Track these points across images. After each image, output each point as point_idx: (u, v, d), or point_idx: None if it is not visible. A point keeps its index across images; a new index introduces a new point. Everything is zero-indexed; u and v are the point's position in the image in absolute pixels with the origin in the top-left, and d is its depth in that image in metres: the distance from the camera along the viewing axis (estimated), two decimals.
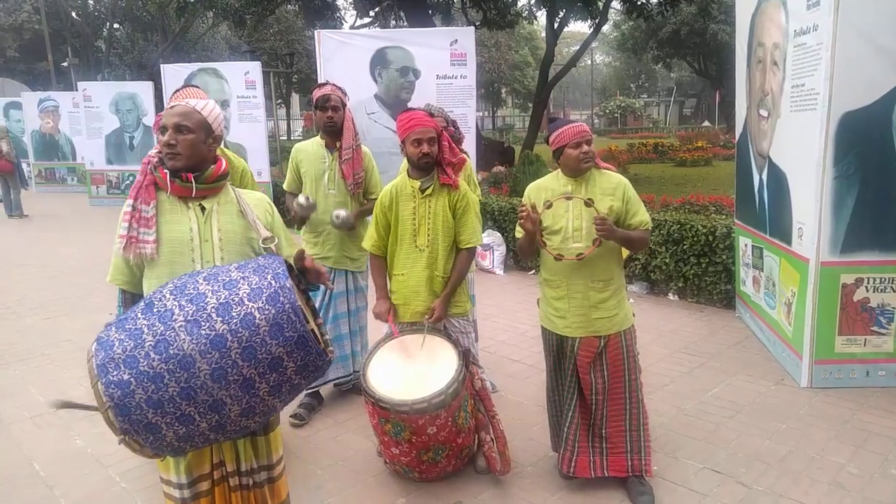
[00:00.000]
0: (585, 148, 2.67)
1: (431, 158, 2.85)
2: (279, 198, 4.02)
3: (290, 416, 3.57)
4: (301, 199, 3.47)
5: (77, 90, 14.30)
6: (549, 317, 2.87)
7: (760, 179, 4.60)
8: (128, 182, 13.09)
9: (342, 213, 3.49)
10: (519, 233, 2.82)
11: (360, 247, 3.66)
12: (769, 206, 4.44)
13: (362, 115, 6.90)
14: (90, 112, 13.10)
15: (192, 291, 1.62)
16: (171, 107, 1.98)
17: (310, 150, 3.67)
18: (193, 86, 3.14)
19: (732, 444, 3.23)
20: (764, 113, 4.48)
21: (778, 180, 4.22)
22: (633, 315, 2.87)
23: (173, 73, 10.10)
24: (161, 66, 10.45)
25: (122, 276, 2.03)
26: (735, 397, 3.76)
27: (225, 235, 1.99)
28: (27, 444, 3.45)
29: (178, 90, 3.07)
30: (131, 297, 2.07)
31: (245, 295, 1.59)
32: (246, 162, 3.50)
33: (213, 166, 1.98)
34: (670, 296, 5.80)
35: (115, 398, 1.53)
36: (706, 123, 37.20)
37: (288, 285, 1.63)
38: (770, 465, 3.02)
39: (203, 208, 1.98)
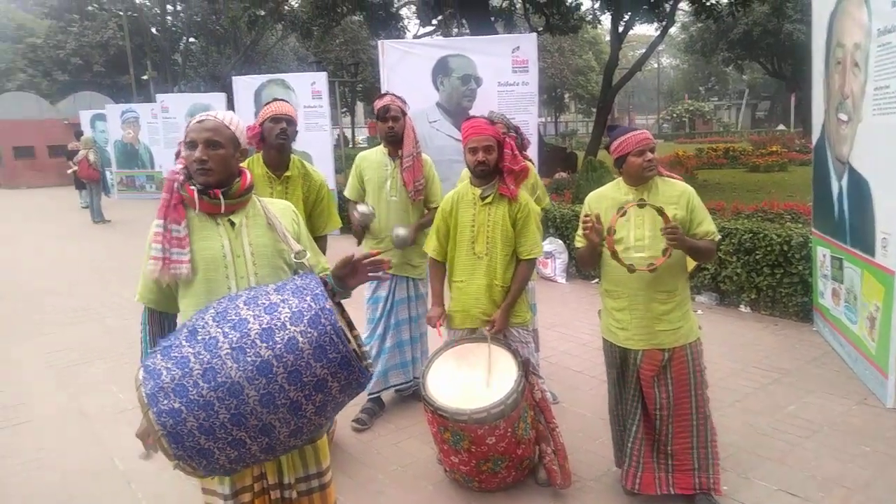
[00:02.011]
0: (649, 156, 2.59)
1: (487, 166, 2.84)
2: (343, 205, 4.09)
3: (353, 421, 3.63)
4: (361, 207, 3.53)
5: (156, 102, 15.08)
6: (610, 328, 2.80)
7: (840, 186, 4.36)
8: None
9: (401, 231, 3.53)
10: (579, 242, 2.77)
11: (421, 254, 3.69)
12: (849, 215, 4.20)
13: (424, 123, 6.97)
14: (167, 122, 13.78)
15: (234, 317, 1.63)
16: (200, 121, 1.91)
17: (373, 159, 3.73)
18: (282, 100, 3.24)
19: (810, 466, 3.05)
20: (843, 117, 4.24)
21: (859, 187, 3.99)
22: (700, 328, 2.77)
23: (244, 85, 10.48)
24: (232, 77, 10.85)
25: (152, 296, 2.00)
26: (813, 416, 3.56)
27: (256, 249, 1.96)
28: (108, 440, 3.64)
29: (267, 103, 3.18)
30: (158, 316, 2.04)
31: (287, 319, 1.61)
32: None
33: (239, 180, 1.95)
34: (742, 308, 5.57)
35: (168, 426, 1.57)
36: (781, 127, 35.65)
37: (328, 307, 1.63)
38: (852, 490, 2.84)
39: (232, 223, 1.95)
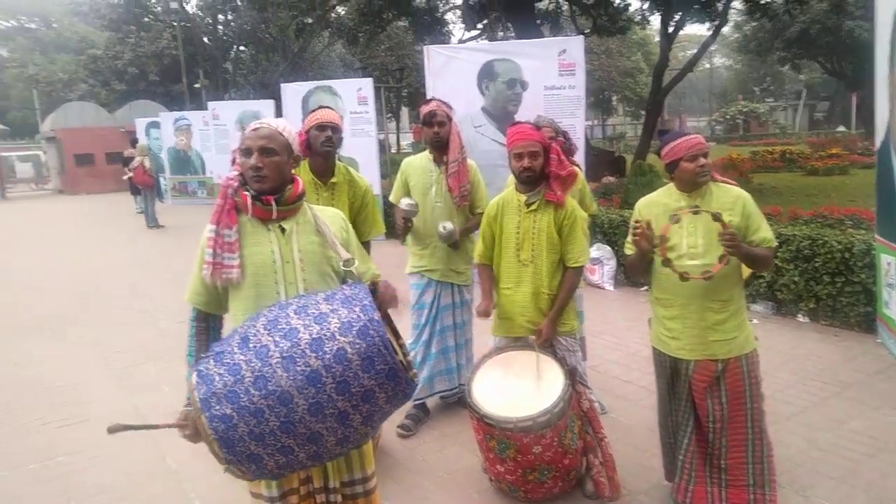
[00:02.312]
0: (702, 161, 2.51)
1: (533, 172, 2.81)
2: (388, 209, 4.11)
3: (398, 427, 3.63)
4: (406, 201, 3.53)
5: (207, 109, 15.52)
6: (661, 337, 2.72)
7: None
8: None
9: (448, 224, 3.51)
10: (629, 249, 2.70)
11: (465, 260, 3.68)
12: None
13: (469, 127, 6.96)
14: (218, 129, 14.17)
15: (284, 326, 1.66)
16: (255, 129, 1.95)
17: (418, 164, 3.73)
18: (327, 107, 3.27)
19: (875, 486, 2.90)
20: None
21: None
22: (756, 338, 2.66)
23: (292, 92, 10.68)
24: (281, 84, 11.07)
25: (201, 298, 2.05)
26: (878, 433, 3.38)
27: (305, 256, 1.98)
28: (162, 440, 3.73)
29: (313, 111, 3.22)
30: (205, 316, 2.09)
31: (336, 329, 1.63)
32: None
33: (291, 187, 1.98)
34: (800, 317, 5.35)
35: (219, 431, 1.60)
36: (841, 128, 34.21)
37: (376, 318, 1.65)
38: None
39: (283, 229, 1.98)
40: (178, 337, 5.69)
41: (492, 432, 2.65)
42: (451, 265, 3.68)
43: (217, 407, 1.60)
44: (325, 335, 1.61)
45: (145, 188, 13.44)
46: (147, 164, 13.30)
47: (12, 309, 7.05)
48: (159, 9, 28.80)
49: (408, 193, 3.73)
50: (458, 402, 3.89)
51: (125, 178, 14.55)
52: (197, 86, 26.28)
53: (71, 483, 3.33)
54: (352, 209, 3.30)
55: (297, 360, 1.59)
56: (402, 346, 1.94)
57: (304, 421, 1.60)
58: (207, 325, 2.11)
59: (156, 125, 18.97)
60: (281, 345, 1.62)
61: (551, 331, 2.86)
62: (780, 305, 5.53)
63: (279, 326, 1.67)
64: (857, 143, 20.64)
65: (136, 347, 5.51)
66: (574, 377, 2.78)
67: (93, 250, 11.25)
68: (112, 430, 1.76)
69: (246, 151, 1.92)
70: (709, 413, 2.59)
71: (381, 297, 1.91)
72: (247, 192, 1.93)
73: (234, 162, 2.01)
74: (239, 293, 1.97)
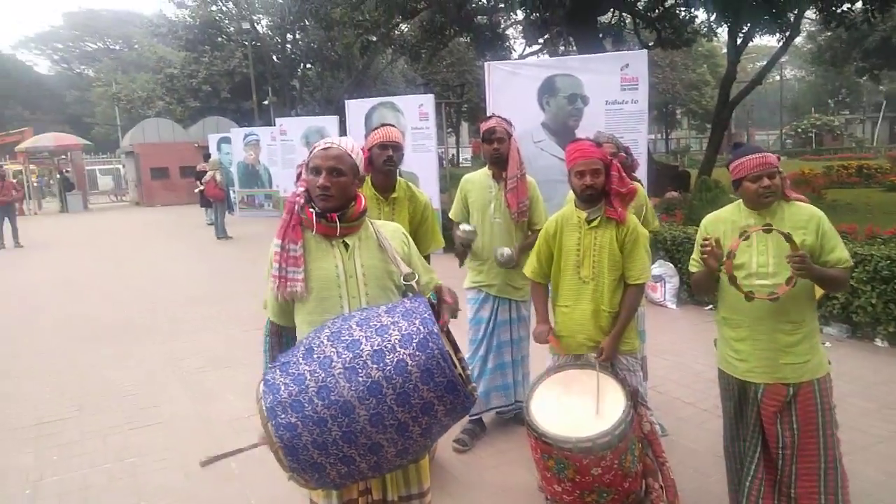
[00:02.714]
0: (766, 182, 2.42)
1: (595, 190, 2.78)
2: (447, 224, 4.15)
3: (454, 441, 3.64)
4: (464, 225, 3.57)
5: (275, 125, 16.07)
6: (728, 359, 2.63)
7: None
8: None
9: (506, 251, 3.53)
10: (694, 267, 2.64)
11: (523, 276, 3.66)
12: None
13: (529, 143, 6.95)
14: (285, 144, 14.64)
15: (347, 338, 1.70)
16: (325, 148, 1.99)
17: (477, 181, 3.76)
18: (389, 125, 3.35)
19: None
20: None
21: None
22: (830, 363, 2.54)
23: (356, 108, 10.95)
24: (345, 101, 11.37)
25: (275, 310, 2.14)
26: None
27: (368, 271, 2.03)
28: (227, 445, 3.85)
29: (375, 128, 3.30)
30: (278, 329, 2.17)
31: (397, 341, 1.66)
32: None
33: (354, 204, 2.03)
34: (878, 341, 5.06)
35: (284, 440, 1.65)
36: None
37: (436, 331, 1.68)
38: None
39: (346, 245, 2.03)
40: (245, 345, 5.90)
41: (550, 451, 2.62)
42: (509, 281, 3.68)
43: (283, 416, 1.66)
44: (386, 347, 1.65)
45: (216, 201, 14.01)
46: (218, 177, 13.87)
47: (89, 315, 7.46)
48: (232, 29, 30.12)
49: (467, 210, 3.77)
50: (514, 418, 3.87)
51: (197, 190, 15.21)
52: (266, 102, 27.32)
53: (140, 483, 3.49)
54: (412, 223, 3.35)
55: (359, 370, 1.63)
56: (460, 359, 1.96)
57: (366, 431, 1.63)
58: (281, 339, 2.19)
59: (227, 140, 19.78)
60: (344, 355, 1.66)
61: (612, 349, 2.81)
62: (855, 328, 5.25)
63: (342, 338, 1.71)
64: None
65: (203, 355, 5.73)
66: (635, 398, 2.72)
67: (165, 260, 11.80)
68: (204, 463, 1.85)
69: (314, 170, 1.98)
70: (778, 439, 2.49)
71: (443, 305, 1.95)
72: (312, 209, 1.99)
73: (299, 177, 2.07)
74: (304, 307, 2.03)
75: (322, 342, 1.73)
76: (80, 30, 50.66)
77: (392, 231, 2.15)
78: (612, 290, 2.85)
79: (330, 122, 14.47)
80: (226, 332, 6.47)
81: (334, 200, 1.97)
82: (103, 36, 51.32)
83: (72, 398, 4.79)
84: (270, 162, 17.56)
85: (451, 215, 3.90)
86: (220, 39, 30.35)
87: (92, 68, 49.89)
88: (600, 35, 14.88)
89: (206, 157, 16.69)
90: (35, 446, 3.98)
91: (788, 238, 2.34)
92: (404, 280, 2.02)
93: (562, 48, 18.85)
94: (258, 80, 26.87)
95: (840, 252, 2.45)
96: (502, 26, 19.48)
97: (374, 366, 1.63)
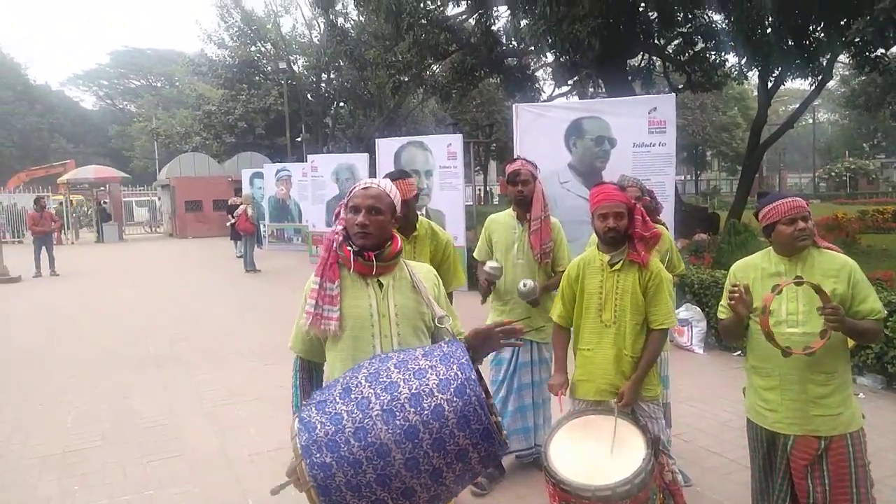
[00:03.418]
0: (801, 224, 2.40)
1: (618, 233, 2.78)
2: (472, 262, 4.18)
3: (472, 485, 3.58)
4: (490, 262, 3.59)
5: (306, 161, 16.41)
6: (756, 408, 2.57)
7: None
8: None
9: (529, 282, 3.52)
10: (722, 314, 2.61)
11: (546, 317, 3.64)
12: None
13: (555, 183, 6.98)
14: (316, 180, 14.91)
15: (385, 379, 1.70)
16: (365, 188, 2.06)
17: (501, 221, 3.79)
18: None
19: None
20: None
21: None
22: (864, 416, 2.46)
23: (386, 146, 11.15)
24: (375, 140, 11.58)
25: (302, 346, 2.16)
26: None
27: (400, 311, 2.05)
28: (246, 481, 3.86)
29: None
30: (307, 363, 2.19)
31: (434, 385, 1.66)
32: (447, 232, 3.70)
33: (390, 244, 2.07)
34: None
35: (318, 479, 1.64)
36: None
37: (473, 377, 1.67)
38: None
39: (381, 284, 2.06)
40: (267, 378, 5.93)
41: (568, 499, 2.56)
42: (532, 322, 3.66)
43: (317, 455, 1.64)
44: (424, 391, 1.65)
45: (246, 234, 14.26)
46: (250, 211, 14.15)
47: (117, 345, 7.59)
48: (269, 69, 31.13)
49: (491, 250, 3.79)
50: (533, 462, 3.79)
51: (228, 224, 15.51)
52: (299, 139, 27.99)
53: None
54: (433, 261, 3.38)
55: (397, 413, 1.63)
56: (491, 405, 1.96)
57: (400, 475, 1.62)
58: (311, 375, 2.21)
59: (259, 175, 20.25)
60: (382, 397, 1.66)
61: (633, 395, 2.77)
62: (891, 380, 5.07)
63: (380, 379, 1.71)
64: None
65: (227, 387, 5.77)
66: (657, 446, 2.66)
67: (194, 291, 12.00)
68: (274, 491, 1.84)
69: (354, 209, 2.02)
70: (809, 495, 2.40)
71: (482, 348, 1.96)
72: (349, 248, 2.02)
73: (337, 216, 2.12)
74: (336, 344, 2.06)
75: (360, 382, 1.73)
76: (126, 67, 52.93)
77: (426, 273, 2.19)
78: (634, 334, 2.82)
79: (360, 160, 14.72)
80: (250, 365, 6.52)
81: (373, 238, 2.01)
82: (146, 74, 53.51)
83: (95, 428, 4.84)
84: (301, 197, 17.87)
85: (475, 255, 3.93)
86: (257, 78, 31.37)
87: (134, 104, 51.94)
88: (629, 77, 14.98)
89: (237, 191, 17.08)
90: (59, 475, 4.03)
91: (818, 290, 2.30)
92: (438, 322, 2.04)
93: (591, 90, 19.02)
94: (292, 118, 27.63)
95: (873, 303, 2.40)
96: (532, 68, 19.78)
97: (412, 409, 1.62)
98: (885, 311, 2.55)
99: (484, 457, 1.68)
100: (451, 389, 1.64)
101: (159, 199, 32.43)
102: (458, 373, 1.68)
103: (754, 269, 2.57)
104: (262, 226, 18.45)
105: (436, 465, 1.63)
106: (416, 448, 1.61)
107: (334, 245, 2.04)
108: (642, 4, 12.74)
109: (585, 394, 2.90)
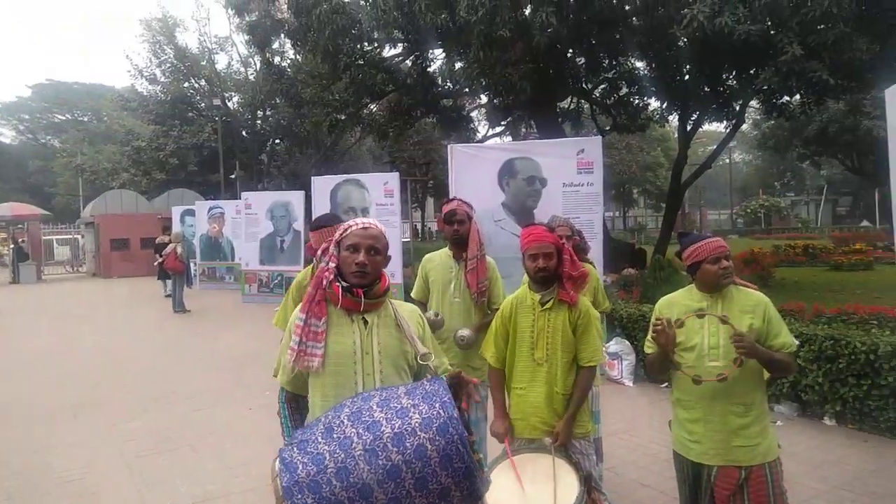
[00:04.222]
0: (725, 263, 2.57)
1: (548, 273, 2.87)
2: (409, 299, 4.20)
3: None
4: (430, 314, 3.60)
5: (240, 199, 16.12)
6: (682, 441, 2.69)
7: None
8: (276, 281, 14.27)
9: (466, 332, 3.57)
10: (648, 348, 2.72)
11: (481, 356, 3.69)
12: None
13: (489, 222, 7.13)
14: (249, 218, 14.65)
15: (367, 419, 1.71)
16: (365, 228, 2.11)
17: (438, 261, 3.85)
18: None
19: None
20: None
21: None
22: (780, 446, 2.60)
23: (322, 184, 11.12)
24: (312, 177, 11.54)
25: (287, 379, 2.19)
26: None
27: (384, 349, 2.09)
28: None
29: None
30: (293, 396, 2.22)
31: (417, 425, 1.67)
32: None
33: (379, 283, 2.12)
34: (826, 420, 5.17)
35: None
36: (865, 223, 34.13)
37: (456, 416, 1.69)
38: None
39: (366, 322, 2.10)
40: (196, 425, 5.70)
41: None
42: (467, 360, 3.69)
43: (299, 496, 1.63)
44: (407, 430, 1.66)
45: (175, 273, 13.79)
46: (179, 249, 13.72)
47: (30, 393, 7.13)
48: (203, 105, 30.57)
49: (428, 289, 3.83)
50: None
51: (156, 263, 14.96)
52: (233, 176, 27.45)
53: None
54: None
55: (380, 453, 1.63)
56: (472, 442, 1.97)
57: None
58: (299, 405, 2.23)
59: (191, 213, 19.71)
60: (364, 437, 1.66)
61: (568, 433, 2.83)
62: (804, 407, 5.37)
63: (363, 418, 1.71)
64: (881, 239, 20.49)
65: (151, 436, 5.49)
66: (589, 483, 2.72)
67: (117, 333, 11.44)
68: None
69: (353, 247, 2.07)
70: None
71: (462, 389, 1.97)
72: (338, 284, 2.05)
73: (325, 252, 2.14)
74: (318, 379, 2.08)
75: (342, 422, 1.73)
76: (49, 101, 50.71)
77: (409, 312, 2.23)
78: (565, 372, 2.90)
79: (296, 197, 14.60)
80: (176, 412, 6.24)
81: (369, 277, 2.07)
82: (72, 108, 51.40)
83: (1, 486, 4.49)
84: (234, 235, 17.49)
85: (412, 294, 3.95)
86: (190, 114, 30.72)
87: (58, 139, 49.68)
88: (560, 119, 15.57)
89: (166, 229, 16.54)
90: None
91: (724, 321, 2.46)
92: (421, 360, 2.07)
93: (523, 131, 19.63)
94: (226, 154, 27.10)
95: (784, 337, 2.57)
96: (467, 109, 20.24)
97: (395, 449, 1.63)
98: (797, 343, 2.73)
99: (466, 495, 1.69)
100: (434, 428, 1.65)
101: (82, 237, 30.93)
102: (441, 411, 1.69)
103: (678, 305, 2.71)
104: (192, 264, 17.88)
105: None
106: (399, 488, 1.61)
107: (324, 282, 2.07)
108: (570, 51, 13.34)
109: (520, 433, 2.94)
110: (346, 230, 2.13)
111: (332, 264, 2.09)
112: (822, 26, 8.52)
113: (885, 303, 7.62)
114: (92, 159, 34.90)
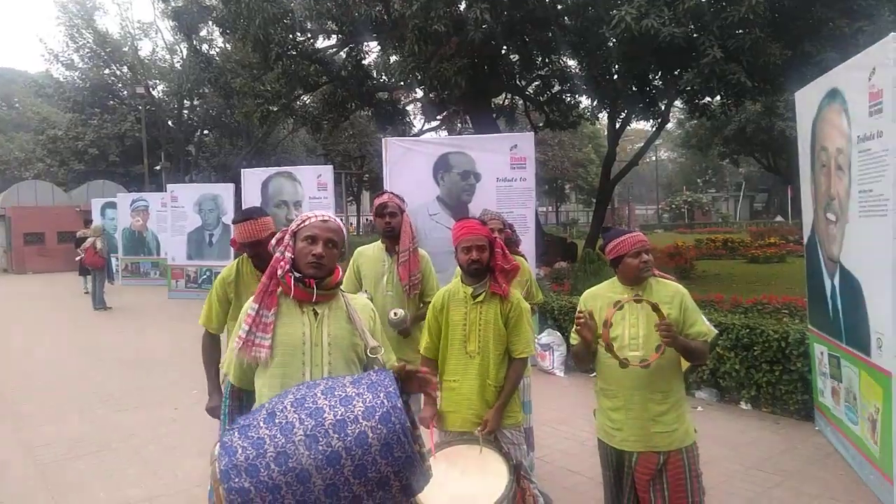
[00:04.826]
0: (645, 257, 2.67)
1: (481, 265, 2.90)
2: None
3: None
4: (390, 315, 3.50)
5: (166, 191, 15.50)
6: (605, 428, 2.78)
7: (832, 285, 4.40)
8: (205, 277, 13.81)
9: (400, 311, 3.55)
10: (574, 339, 2.79)
11: (415, 349, 3.69)
12: (843, 314, 4.21)
13: (425, 216, 7.13)
14: (176, 211, 14.10)
15: (311, 405, 1.70)
16: (324, 220, 2.10)
17: (370, 254, 3.82)
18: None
19: None
20: (832, 217, 4.35)
21: (851, 287, 4.03)
22: (696, 431, 2.73)
23: (252, 177, 10.81)
24: (241, 170, 11.21)
25: (236, 373, 2.16)
26: None
27: (333, 340, 2.08)
28: None
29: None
30: (238, 393, 2.20)
31: (360, 413, 1.67)
32: None
33: (332, 274, 2.11)
34: (742, 404, 5.47)
35: None
36: (779, 218, 36.21)
37: (399, 405, 1.69)
38: None
39: (316, 313, 2.09)
40: (116, 428, 5.45)
41: None
42: (401, 355, 3.67)
43: (236, 479, 1.61)
44: (349, 417, 1.66)
45: (95, 269, 13.13)
46: (99, 244, 13.05)
47: None
48: (125, 93, 29.14)
49: (359, 282, 3.79)
50: None
51: (77, 258, 14.20)
52: (158, 168, 26.32)
53: None
54: None
55: (320, 439, 1.63)
56: (417, 436, 1.96)
57: (319, 502, 1.61)
58: (241, 402, 2.21)
59: (112, 205, 18.82)
60: (306, 423, 1.66)
61: (497, 421, 2.87)
62: (723, 393, 5.66)
63: (306, 405, 1.71)
64: (793, 233, 21.80)
65: (68, 441, 5.21)
66: (519, 472, 2.77)
67: (31, 333, 10.79)
68: None
69: (311, 239, 2.06)
70: None
71: (410, 383, 1.96)
72: (291, 274, 2.04)
73: (280, 242, 2.11)
74: (265, 371, 2.06)
75: (285, 407, 1.72)
76: None
77: (362, 305, 2.23)
78: (497, 364, 2.94)
79: (225, 190, 14.15)
80: (96, 414, 5.94)
81: (325, 269, 2.06)
82: None
83: None
84: (160, 229, 16.82)
85: (342, 288, 3.89)
86: (112, 102, 29.23)
87: None
88: (494, 115, 15.75)
89: (88, 222, 15.71)
90: None
91: (656, 308, 2.55)
92: (370, 353, 2.08)
93: (459, 126, 19.72)
94: (151, 145, 25.95)
95: (700, 326, 2.69)
96: (402, 103, 20.15)
97: (336, 435, 1.63)
98: (716, 331, 2.87)
99: (405, 485, 1.70)
100: (377, 417, 1.66)
101: None
102: (385, 401, 1.70)
103: (601, 297, 2.80)
104: (114, 259, 17.06)
105: (356, 492, 1.63)
106: (337, 474, 1.61)
107: (279, 272, 2.05)
108: (505, 48, 13.50)
109: (451, 425, 2.96)
110: (303, 221, 2.12)
111: (287, 254, 2.08)
112: (741, 31, 8.97)
113: (795, 293, 8.11)
114: (3, 148, 32.71)
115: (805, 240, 5.11)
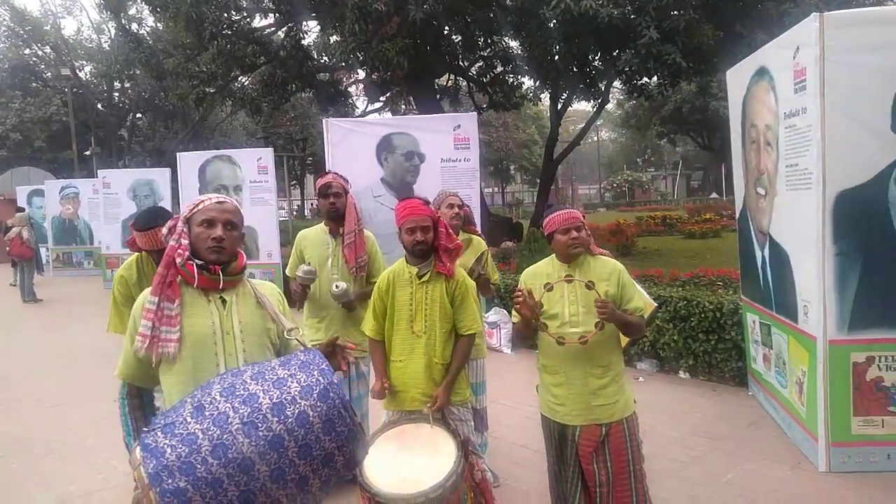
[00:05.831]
0: (574, 234, 2.72)
1: (425, 245, 2.90)
2: (286, 279, 4.09)
3: None
4: (303, 267, 3.52)
5: (97, 177, 14.82)
6: (548, 404, 2.84)
7: (763, 256, 4.61)
8: None
9: (342, 284, 3.51)
10: (516, 318, 2.83)
11: (361, 332, 3.67)
12: (773, 283, 4.42)
13: (369, 198, 7.06)
14: (108, 198, 13.50)
15: (242, 392, 1.66)
16: (220, 202, 2.01)
17: (313, 237, 3.76)
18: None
19: None
20: (761, 191, 4.54)
21: (780, 257, 4.23)
22: (635, 402, 2.82)
23: (189, 161, 10.44)
24: (177, 154, 10.82)
25: (132, 371, 2.04)
26: (751, 484, 3.62)
27: (245, 327, 2.02)
28: None
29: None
30: (136, 390, 2.07)
31: (297, 393, 1.65)
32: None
33: (236, 259, 2.04)
34: (681, 374, 5.69)
35: None
36: (714, 195, 37.58)
37: (336, 381, 1.69)
38: None
39: (224, 301, 2.02)
40: (51, 427, 5.23)
41: None
42: (348, 337, 3.65)
43: (169, 481, 1.54)
44: (287, 399, 1.63)
45: (23, 260, 12.48)
46: (25, 234, 12.40)
47: None
48: (49, 74, 27.58)
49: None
50: (352, 479, 3.77)
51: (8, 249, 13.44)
52: (88, 153, 25.12)
53: None
54: None
55: (259, 425, 1.59)
56: (352, 408, 1.95)
57: (266, 488, 1.58)
58: (142, 401, 2.09)
59: (39, 193, 17.87)
60: (241, 411, 1.61)
61: (446, 399, 2.88)
62: (663, 363, 5.87)
63: (237, 393, 1.66)
64: (727, 209, 22.68)
65: (1, 442, 4.97)
66: (467, 448, 2.80)
67: None
68: None
69: (208, 222, 1.96)
70: (595, 478, 2.69)
71: (339, 355, 2.02)
72: (192, 262, 1.95)
73: (172, 230, 2.00)
74: (173, 366, 1.95)
75: (214, 398, 1.66)
76: None
77: (269, 290, 2.17)
78: (443, 342, 2.95)
79: (161, 175, 13.62)
80: (28, 412, 5.68)
81: (226, 253, 1.98)
82: None
83: None
84: (92, 217, 16.09)
85: (287, 272, 3.84)
86: (34, 84, 27.65)
87: None
88: (438, 96, 15.68)
89: (21, 209, 14.87)
90: None
91: (590, 286, 2.61)
92: (288, 334, 2.03)
93: (402, 107, 19.56)
94: (80, 129, 24.74)
95: (637, 301, 2.76)
96: (345, 84, 19.81)
97: (276, 419, 1.60)
98: (655, 304, 2.95)
99: (348, 459, 1.71)
100: (315, 394, 1.64)
101: None
102: (320, 378, 1.69)
103: (540, 275, 2.85)
104: (43, 250, 16.25)
105: (302, 472, 1.62)
106: (282, 458, 1.59)
107: (177, 261, 1.94)
108: (447, 28, 13.40)
109: (399, 404, 2.97)
110: (197, 205, 2.02)
111: (184, 241, 1.97)
112: (675, 13, 9.18)
113: (730, 266, 8.44)
114: None
115: (737, 214, 5.31)
